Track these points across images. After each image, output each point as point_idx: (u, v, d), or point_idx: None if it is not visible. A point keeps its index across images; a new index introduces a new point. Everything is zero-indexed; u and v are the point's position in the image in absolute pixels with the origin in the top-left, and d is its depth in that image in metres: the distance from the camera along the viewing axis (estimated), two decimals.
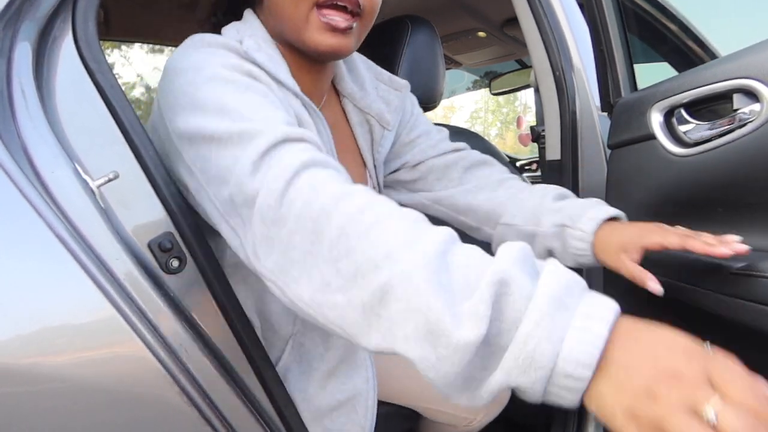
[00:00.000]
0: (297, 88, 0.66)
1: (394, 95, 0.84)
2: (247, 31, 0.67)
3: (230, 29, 0.69)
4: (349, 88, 0.81)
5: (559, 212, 0.75)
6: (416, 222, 0.44)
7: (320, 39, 0.65)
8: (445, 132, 0.92)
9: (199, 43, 0.62)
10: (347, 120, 0.83)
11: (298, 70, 0.70)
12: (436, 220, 0.84)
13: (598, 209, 0.72)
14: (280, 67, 0.66)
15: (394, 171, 0.91)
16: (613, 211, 0.71)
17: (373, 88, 0.83)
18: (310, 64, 0.72)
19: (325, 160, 0.50)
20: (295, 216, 0.45)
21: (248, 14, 0.72)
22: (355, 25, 0.66)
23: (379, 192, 0.87)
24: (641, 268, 0.63)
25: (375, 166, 0.85)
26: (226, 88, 0.56)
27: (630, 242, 0.65)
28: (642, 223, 0.68)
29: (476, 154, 0.89)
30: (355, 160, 0.83)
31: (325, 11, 0.64)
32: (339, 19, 0.64)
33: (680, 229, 0.65)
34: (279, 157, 0.49)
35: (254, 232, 0.48)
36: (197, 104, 0.55)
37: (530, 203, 0.79)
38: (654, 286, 0.61)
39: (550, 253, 0.77)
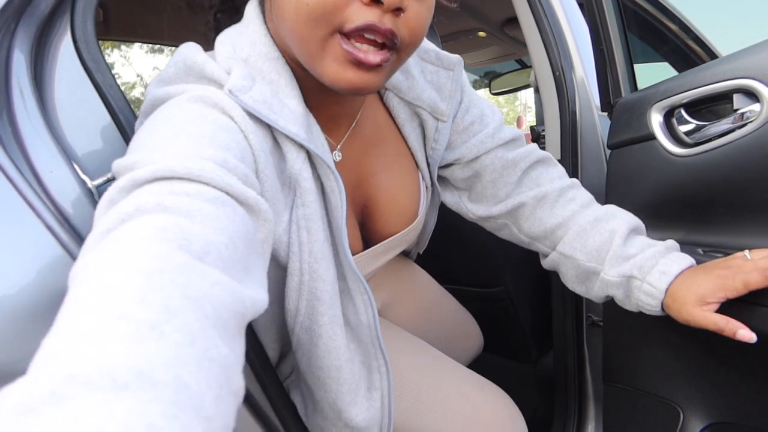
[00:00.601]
0: (302, 137, 0.52)
1: (444, 76, 0.69)
2: (245, 47, 0.54)
3: (225, 45, 0.55)
4: (394, 79, 0.66)
5: (627, 261, 0.67)
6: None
7: (338, 74, 0.50)
8: (498, 113, 0.77)
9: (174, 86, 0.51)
10: (392, 118, 0.70)
11: (314, 92, 0.57)
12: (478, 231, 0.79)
13: (671, 260, 0.65)
14: (284, 104, 0.53)
15: (447, 166, 0.77)
16: (687, 262, 0.65)
17: (420, 72, 0.69)
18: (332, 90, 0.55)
19: (179, 208, 0.36)
20: (83, 276, 0.33)
21: (250, 13, 0.57)
22: (389, 60, 0.51)
23: (433, 193, 0.78)
24: (729, 319, 0.58)
25: (429, 165, 0.74)
26: (169, 121, 0.46)
27: (710, 294, 0.60)
28: (712, 266, 0.62)
29: (535, 153, 0.77)
30: (406, 166, 0.72)
31: (353, 40, 0.49)
32: (369, 52, 0.49)
33: (750, 261, 0.60)
34: (131, 198, 0.37)
35: None
36: (131, 145, 0.47)
37: (596, 239, 0.70)
38: (746, 334, 0.57)
39: (607, 298, 0.71)
